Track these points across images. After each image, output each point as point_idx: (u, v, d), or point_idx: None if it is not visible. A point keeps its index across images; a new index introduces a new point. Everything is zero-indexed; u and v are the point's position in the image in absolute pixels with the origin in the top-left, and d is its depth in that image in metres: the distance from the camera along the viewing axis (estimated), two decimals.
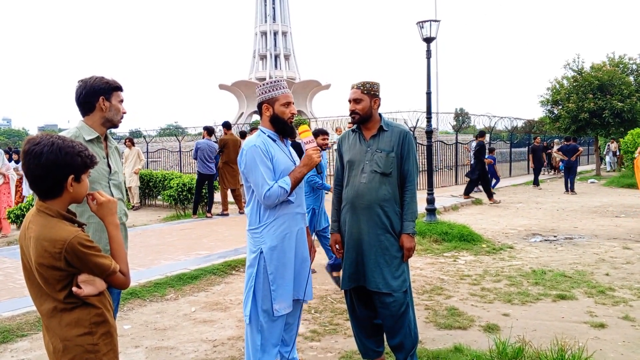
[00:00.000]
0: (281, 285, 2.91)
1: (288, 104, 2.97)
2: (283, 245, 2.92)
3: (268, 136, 2.98)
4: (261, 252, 2.90)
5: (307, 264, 3.08)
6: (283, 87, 2.98)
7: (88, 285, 1.88)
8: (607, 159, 26.94)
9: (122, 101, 2.97)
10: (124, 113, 2.98)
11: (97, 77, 2.89)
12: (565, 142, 16.95)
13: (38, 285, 1.89)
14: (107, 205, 2.00)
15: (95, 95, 2.84)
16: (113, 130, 3.13)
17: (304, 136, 3.05)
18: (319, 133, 6.08)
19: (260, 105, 2.99)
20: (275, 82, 2.98)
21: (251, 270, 2.93)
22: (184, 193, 11.11)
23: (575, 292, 5.07)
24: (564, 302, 4.79)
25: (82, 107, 2.88)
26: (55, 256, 1.79)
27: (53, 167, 1.82)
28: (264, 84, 2.98)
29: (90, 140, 2.82)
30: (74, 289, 1.86)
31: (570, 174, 15.38)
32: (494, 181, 15.24)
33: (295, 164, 3.05)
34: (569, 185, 15.27)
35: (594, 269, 6.00)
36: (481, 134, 13.88)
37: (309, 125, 3.54)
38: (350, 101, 3.22)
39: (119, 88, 2.94)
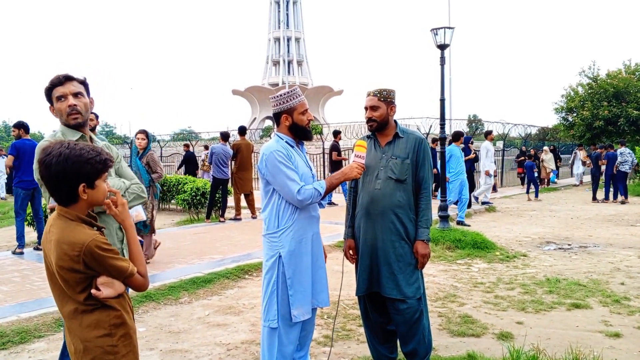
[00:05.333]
0: (299, 290, 2.93)
1: (305, 111, 3.01)
2: (300, 249, 2.95)
3: (286, 142, 3.02)
4: (280, 257, 2.93)
5: (323, 270, 3.11)
6: (299, 96, 3.02)
7: (107, 288, 1.92)
8: (575, 169, 21.61)
9: (60, 98, 2.57)
10: (69, 107, 2.57)
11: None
12: (598, 150, 16.53)
13: (60, 287, 1.93)
14: (126, 208, 2.05)
15: (49, 103, 2.62)
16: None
17: (358, 150, 3.06)
18: None
19: (278, 115, 3.02)
20: (291, 91, 3.01)
21: (270, 274, 2.95)
22: (198, 197, 11.20)
23: (590, 301, 5.03)
24: (579, 311, 4.76)
25: None
26: (74, 259, 1.83)
27: (62, 176, 1.86)
28: (280, 95, 3.01)
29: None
30: (93, 291, 1.89)
31: (593, 182, 15.24)
32: (532, 188, 15.09)
33: (311, 169, 3.09)
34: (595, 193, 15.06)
35: (609, 278, 5.94)
36: None
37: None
38: (366, 108, 3.23)
39: (54, 85, 2.58)
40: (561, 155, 22.77)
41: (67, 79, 2.59)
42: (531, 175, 15.12)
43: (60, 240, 1.85)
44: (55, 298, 1.98)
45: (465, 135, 11.83)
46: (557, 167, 21.30)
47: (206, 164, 15.93)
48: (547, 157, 19.45)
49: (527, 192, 15.20)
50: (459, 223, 9.93)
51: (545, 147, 20.30)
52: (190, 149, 16.75)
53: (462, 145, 10.96)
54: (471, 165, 12.58)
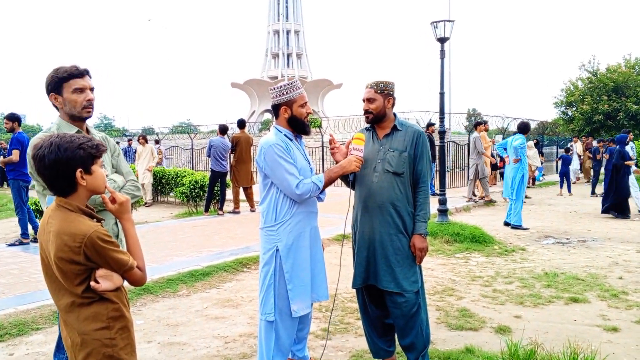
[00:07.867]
0: (298, 285, 2.93)
1: (304, 104, 3.00)
2: (298, 243, 2.94)
3: (284, 135, 3.00)
4: (277, 250, 2.92)
5: (322, 264, 3.10)
6: (299, 88, 3.00)
7: (106, 281, 1.91)
8: (572, 164, 17.58)
9: (78, 90, 2.57)
10: (88, 101, 2.60)
11: (56, 68, 2.58)
12: (596, 144, 16.29)
13: (56, 280, 1.92)
14: (125, 204, 2.03)
15: (48, 93, 2.60)
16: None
17: (356, 143, 3.03)
18: None
19: (277, 107, 3.01)
20: (291, 83, 2.99)
21: (267, 267, 2.95)
22: (196, 190, 11.18)
23: (588, 295, 5.03)
24: (577, 305, 4.76)
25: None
26: (74, 250, 1.82)
27: (57, 165, 1.86)
28: (280, 86, 3.00)
29: None
30: (92, 283, 1.88)
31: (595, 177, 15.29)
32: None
33: (309, 162, 3.08)
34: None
35: (607, 272, 5.95)
36: None
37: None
38: (364, 100, 3.22)
39: (70, 76, 2.55)
40: (560, 150, 22.53)
41: (87, 72, 2.65)
42: (564, 170, 15.15)
43: (61, 231, 1.84)
44: (51, 291, 1.97)
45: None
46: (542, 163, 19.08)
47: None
48: (531, 153, 15.79)
49: (561, 187, 15.16)
50: (517, 227, 9.03)
51: (529, 142, 16.79)
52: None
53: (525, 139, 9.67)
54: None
